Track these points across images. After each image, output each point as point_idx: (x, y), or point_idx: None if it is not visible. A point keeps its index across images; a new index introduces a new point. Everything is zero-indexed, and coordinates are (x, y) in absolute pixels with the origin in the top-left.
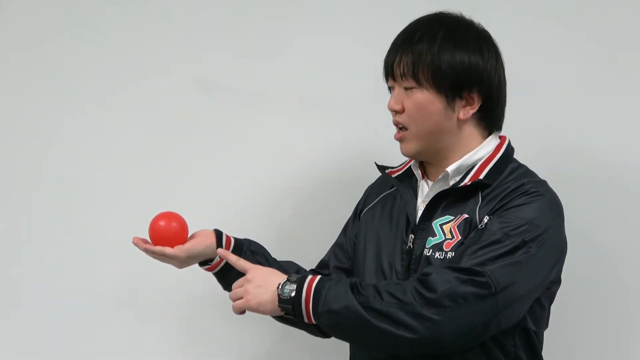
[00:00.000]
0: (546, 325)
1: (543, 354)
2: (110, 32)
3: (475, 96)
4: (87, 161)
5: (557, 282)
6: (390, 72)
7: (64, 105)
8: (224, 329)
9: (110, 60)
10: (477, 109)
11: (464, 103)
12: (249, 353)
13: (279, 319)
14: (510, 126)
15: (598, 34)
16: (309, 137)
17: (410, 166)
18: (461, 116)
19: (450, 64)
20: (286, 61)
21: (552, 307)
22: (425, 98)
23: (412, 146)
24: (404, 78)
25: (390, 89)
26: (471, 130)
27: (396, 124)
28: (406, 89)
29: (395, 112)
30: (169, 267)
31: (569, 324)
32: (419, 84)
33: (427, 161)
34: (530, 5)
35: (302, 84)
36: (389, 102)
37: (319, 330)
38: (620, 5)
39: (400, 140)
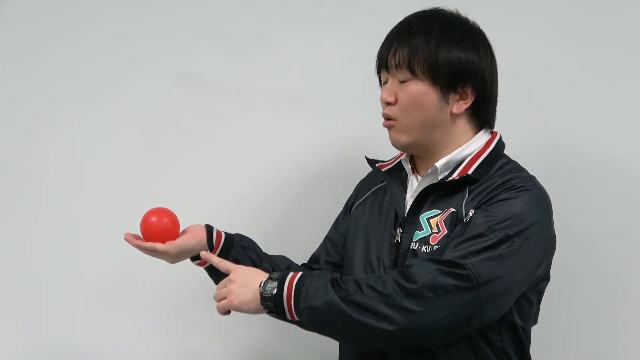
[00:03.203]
0: (535, 322)
1: (532, 350)
2: (96, 30)
3: (469, 91)
4: (78, 158)
5: (546, 278)
6: (384, 64)
7: (51, 103)
8: (215, 324)
9: (96, 58)
10: (470, 104)
11: (457, 97)
12: (239, 347)
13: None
14: (503, 122)
15: (590, 33)
16: (299, 133)
17: (400, 160)
18: (454, 110)
19: (446, 58)
20: (275, 58)
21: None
22: (420, 90)
23: (402, 138)
24: (399, 69)
25: (382, 82)
26: (463, 126)
27: (386, 117)
28: (401, 81)
29: (387, 104)
30: (161, 262)
31: (557, 320)
32: (415, 75)
33: (417, 155)
34: (523, 6)
35: (291, 80)
36: (382, 94)
37: None
38: (611, 6)
39: (390, 127)
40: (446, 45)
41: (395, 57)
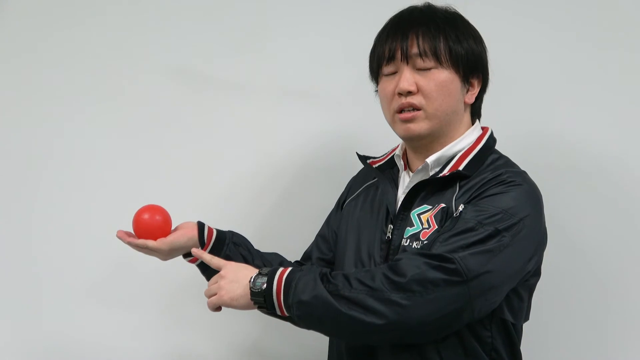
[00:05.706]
0: (526, 318)
1: (523, 347)
2: (89, 24)
3: (476, 82)
4: (69, 154)
5: (537, 274)
6: (403, 53)
7: (50, 102)
8: (208, 321)
9: (90, 53)
10: (476, 95)
11: (468, 87)
12: (232, 344)
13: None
14: (500, 118)
15: (583, 29)
16: (291, 128)
17: (392, 156)
18: (467, 100)
19: (466, 48)
20: (268, 52)
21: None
22: (446, 77)
23: (425, 126)
24: (423, 58)
25: (386, 74)
26: (466, 117)
27: (410, 106)
28: (422, 69)
29: (408, 93)
30: (156, 259)
31: (549, 317)
32: (440, 63)
33: (417, 148)
34: (518, 1)
35: (285, 76)
36: (401, 84)
37: None
38: (607, 2)
39: (411, 119)
40: (464, 36)
41: (417, 45)
